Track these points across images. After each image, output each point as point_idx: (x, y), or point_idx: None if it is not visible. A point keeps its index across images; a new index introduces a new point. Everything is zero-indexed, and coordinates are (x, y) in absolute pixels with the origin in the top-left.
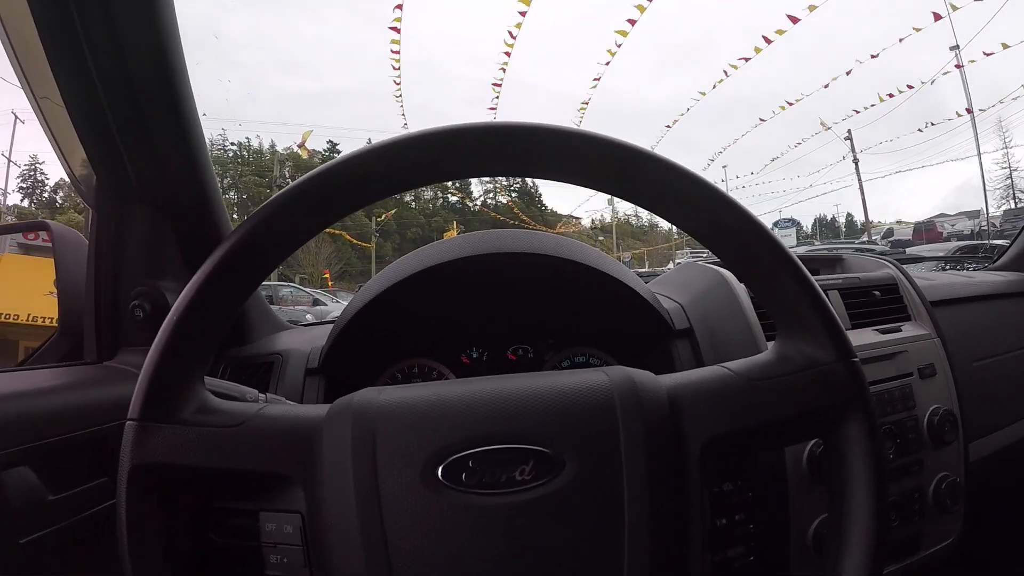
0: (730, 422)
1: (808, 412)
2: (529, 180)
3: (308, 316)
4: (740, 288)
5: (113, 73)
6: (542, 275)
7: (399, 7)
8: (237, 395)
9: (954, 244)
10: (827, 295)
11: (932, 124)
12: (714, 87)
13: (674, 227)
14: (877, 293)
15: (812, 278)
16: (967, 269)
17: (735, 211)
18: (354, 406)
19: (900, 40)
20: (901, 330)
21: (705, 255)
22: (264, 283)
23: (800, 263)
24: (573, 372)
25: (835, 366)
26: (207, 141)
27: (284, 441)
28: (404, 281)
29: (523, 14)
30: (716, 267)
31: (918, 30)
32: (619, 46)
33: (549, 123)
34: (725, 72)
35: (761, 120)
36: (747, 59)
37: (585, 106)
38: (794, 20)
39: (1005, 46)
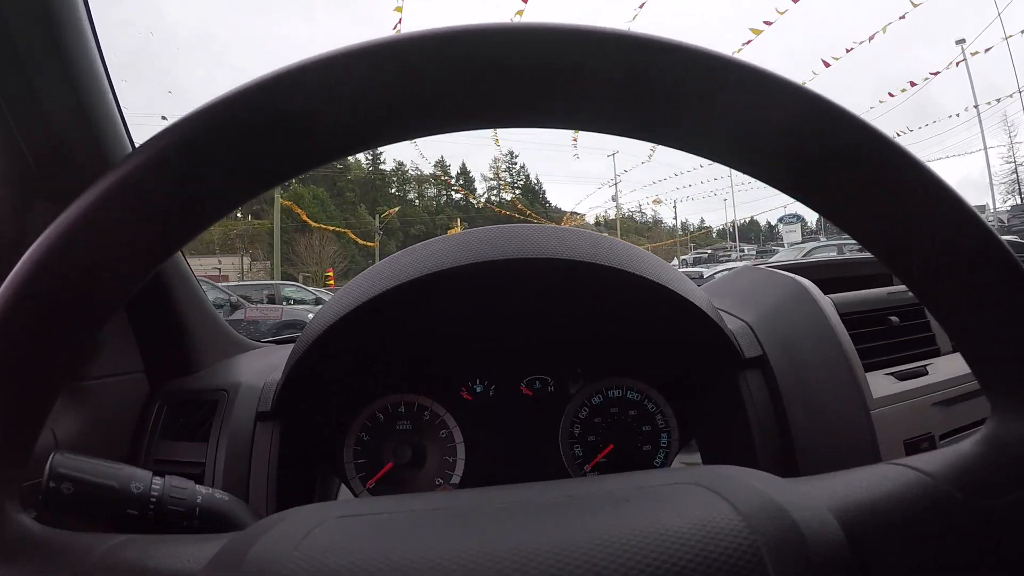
0: (950, 570)
1: None
2: (533, 177)
3: (309, 315)
4: (827, 303)
5: None
6: (565, 284)
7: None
8: (115, 484)
9: None
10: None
11: (965, 114)
12: None
13: (678, 225)
14: None
15: None
16: None
17: (952, 203)
18: (244, 570)
19: (901, 17)
20: None
21: (710, 252)
22: (265, 282)
23: None
24: (657, 497)
25: None
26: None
27: None
28: (382, 296)
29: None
30: (790, 274)
31: (916, 4)
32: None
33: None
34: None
35: None
36: (748, 42)
37: None
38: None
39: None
